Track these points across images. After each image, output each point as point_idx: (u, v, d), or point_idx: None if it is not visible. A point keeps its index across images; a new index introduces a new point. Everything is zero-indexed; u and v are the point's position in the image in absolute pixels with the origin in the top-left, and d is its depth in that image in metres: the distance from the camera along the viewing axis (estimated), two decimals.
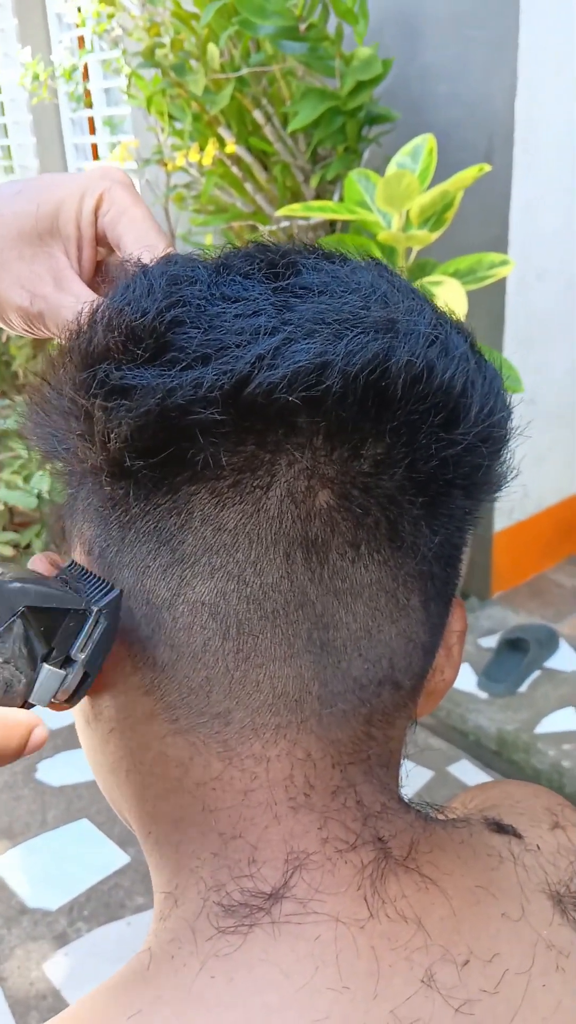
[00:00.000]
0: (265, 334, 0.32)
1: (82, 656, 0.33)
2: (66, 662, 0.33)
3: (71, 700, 0.34)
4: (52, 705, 0.34)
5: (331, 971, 0.32)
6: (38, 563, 0.39)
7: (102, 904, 1.87)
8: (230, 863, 0.35)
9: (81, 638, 0.33)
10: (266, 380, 0.31)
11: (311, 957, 0.32)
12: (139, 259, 0.38)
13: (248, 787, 0.35)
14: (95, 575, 0.35)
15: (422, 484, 0.35)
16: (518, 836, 0.40)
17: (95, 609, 0.33)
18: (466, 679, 2.37)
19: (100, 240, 0.42)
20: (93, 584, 0.35)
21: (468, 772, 2.18)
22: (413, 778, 2.15)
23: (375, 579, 0.34)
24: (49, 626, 0.33)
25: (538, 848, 0.39)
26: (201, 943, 0.33)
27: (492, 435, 0.36)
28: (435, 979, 0.32)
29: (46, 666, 0.33)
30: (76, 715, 0.40)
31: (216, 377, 0.31)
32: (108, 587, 0.34)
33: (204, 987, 0.31)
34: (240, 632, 0.34)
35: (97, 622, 0.33)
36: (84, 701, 0.39)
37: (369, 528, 0.34)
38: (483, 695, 2.31)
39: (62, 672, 0.33)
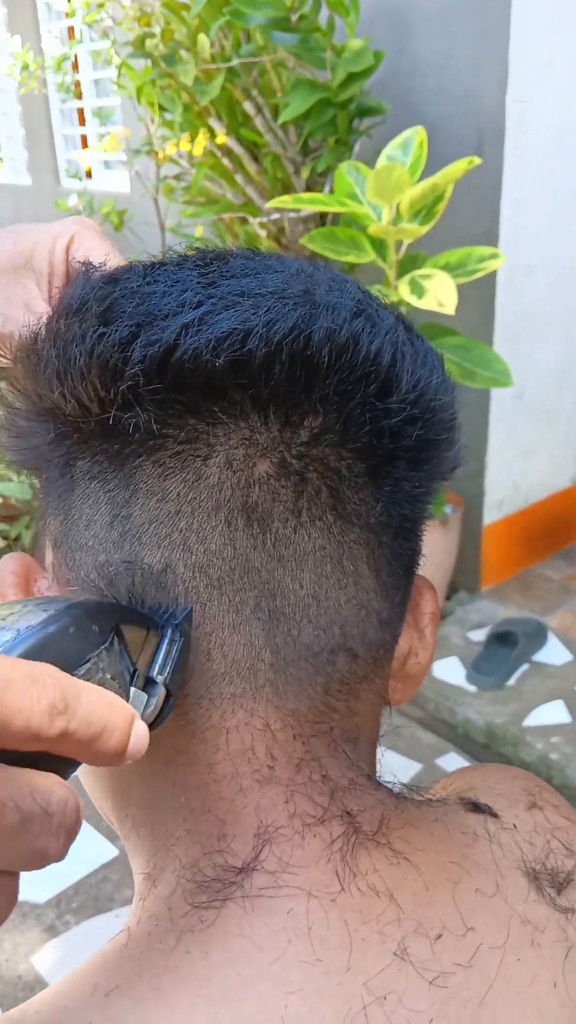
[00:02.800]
0: (191, 307, 0.34)
1: (163, 676, 0.32)
2: (147, 683, 0.32)
3: (155, 724, 0.32)
4: None
5: (304, 944, 0.32)
6: (8, 563, 0.39)
7: (90, 897, 1.87)
8: (202, 839, 0.35)
9: (160, 657, 0.32)
10: (191, 346, 0.33)
11: (284, 930, 0.32)
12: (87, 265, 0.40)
13: (212, 760, 0.35)
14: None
15: (361, 453, 0.36)
16: (494, 815, 0.40)
17: (173, 625, 0.33)
18: (455, 672, 2.38)
19: (70, 277, 0.45)
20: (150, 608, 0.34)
21: (457, 764, 2.19)
22: (402, 771, 2.16)
23: (319, 545, 0.35)
24: (134, 645, 0.32)
25: (514, 827, 0.40)
26: (176, 919, 0.33)
27: (430, 407, 0.37)
28: (408, 952, 0.33)
29: (133, 688, 0.31)
30: None
31: (144, 346, 0.33)
32: (170, 607, 0.34)
33: (180, 962, 0.32)
34: (188, 600, 0.34)
35: (174, 640, 0.33)
36: None
37: (310, 496, 0.35)
38: (472, 688, 2.32)
39: (144, 694, 0.32)
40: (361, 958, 0.32)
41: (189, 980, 0.31)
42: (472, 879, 0.36)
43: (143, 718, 0.31)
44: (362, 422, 0.35)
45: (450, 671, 2.39)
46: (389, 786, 0.39)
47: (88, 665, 0.29)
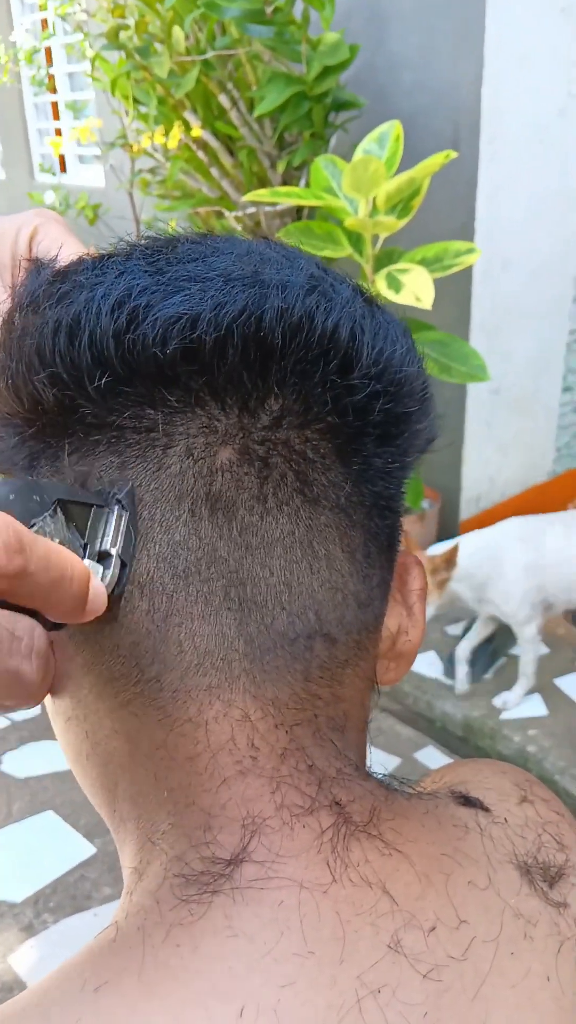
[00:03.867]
0: (136, 295, 0.33)
1: (115, 548, 0.33)
2: (100, 558, 0.34)
3: (112, 593, 0.34)
4: None
5: (296, 936, 0.32)
6: None
7: (68, 895, 1.86)
8: (187, 831, 0.34)
9: (110, 531, 0.33)
10: (140, 335, 0.32)
11: (275, 922, 0.32)
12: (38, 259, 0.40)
13: (192, 752, 0.35)
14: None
15: (326, 433, 0.35)
16: (485, 809, 0.40)
17: (116, 501, 0.34)
18: (433, 666, 2.39)
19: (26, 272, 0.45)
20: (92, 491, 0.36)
21: (435, 758, 2.19)
22: (380, 765, 2.15)
23: (287, 531, 0.34)
24: (80, 521, 0.33)
25: (505, 821, 0.39)
26: (165, 913, 0.32)
27: (395, 380, 0.36)
28: (402, 944, 0.32)
29: (88, 560, 0.33)
30: (48, 712, 0.41)
31: (92, 338, 0.33)
32: (112, 488, 0.35)
33: (169, 955, 0.31)
34: (153, 591, 0.34)
35: (120, 515, 0.33)
36: (48, 698, 0.39)
37: (275, 481, 0.34)
38: (449, 682, 2.33)
39: (100, 566, 0.33)
40: (354, 950, 0.32)
41: (179, 974, 0.31)
42: (464, 872, 0.36)
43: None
44: (324, 401, 0.34)
45: (428, 665, 2.40)
46: (378, 777, 0.39)
47: (33, 530, 0.30)
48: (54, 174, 4.25)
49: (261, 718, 0.35)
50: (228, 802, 0.34)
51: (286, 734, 0.35)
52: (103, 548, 0.33)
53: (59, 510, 0.32)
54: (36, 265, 0.37)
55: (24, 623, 0.27)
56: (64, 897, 1.86)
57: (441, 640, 2.49)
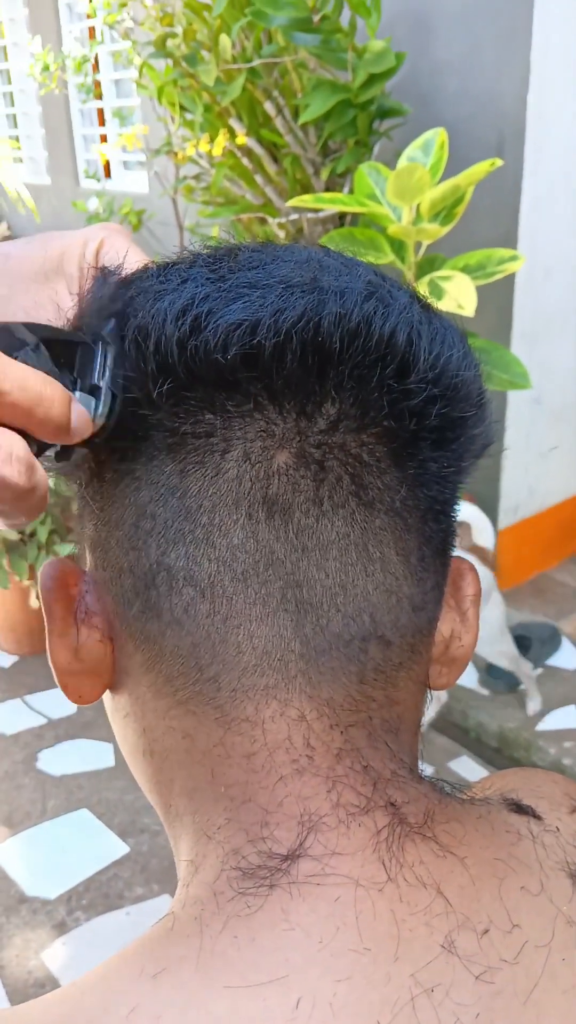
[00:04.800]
0: (199, 302, 0.34)
1: (104, 380, 0.34)
2: (91, 392, 0.35)
3: (108, 424, 0.35)
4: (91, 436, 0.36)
5: (352, 932, 0.32)
6: (47, 570, 0.41)
7: (101, 894, 1.87)
8: (245, 827, 0.35)
9: (97, 366, 0.34)
10: (200, 341, 0.33)
11: (332, 918, 0.32)
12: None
13: (249, 751, 0.35)
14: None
15: (382, 437, 0.35)
16: (537, 817, 0.40)
17: (102, 338, 0.35)
18: (468, 675, 2.37)
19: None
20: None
21: (469, 768, 2.18)
22: None
23: (342, 533, 0.35)
24: (67, 358, 0.34)
25: (557, 829, 0.39)
26: (223, 904, 0.33)
27: (452, 384, 0.36)
28: (456, 945, 0.32)
29: (79, 392, 0.34)
30: (107, 709, 0.42)
31: (156, 345, 0.34)
32: (98, 329, 0.36)
33: (227, 946, 0.32)
34: (214, 594, 0.35)
35: (106, 351, 0.35)
36: (107, 694, 0.40)
37: (331, 484, 0.35)
38: (485, 692, 2.31)
39: (91, 398, 0.35)
40: (408, 949, 0.32)
41: (236, 964, 0.31)
42: (517, 877, 0.36)
43: (95, 419, 0.35)
44: (380, 406, 0.35)
45: (463, 675, 2.38)
46: (431, 780, 0.39)
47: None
48: (99, 180, 4.30)
49: (317, 718, 0.35)
50: (285, 799, 0.35)
51: (341, 734, 0.36)
52: (93, 382, 0.34)
53: (42, 346, 0.33)
54: (103, 273, 0.38)
55: (3, 434, 0.30)
56: (97, 895, 1.87)
57: (477, 649, 2.47)
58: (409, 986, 0.31)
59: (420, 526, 0.37)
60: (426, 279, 1.72)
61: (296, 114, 2.18)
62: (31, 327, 0.33)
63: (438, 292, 1.68)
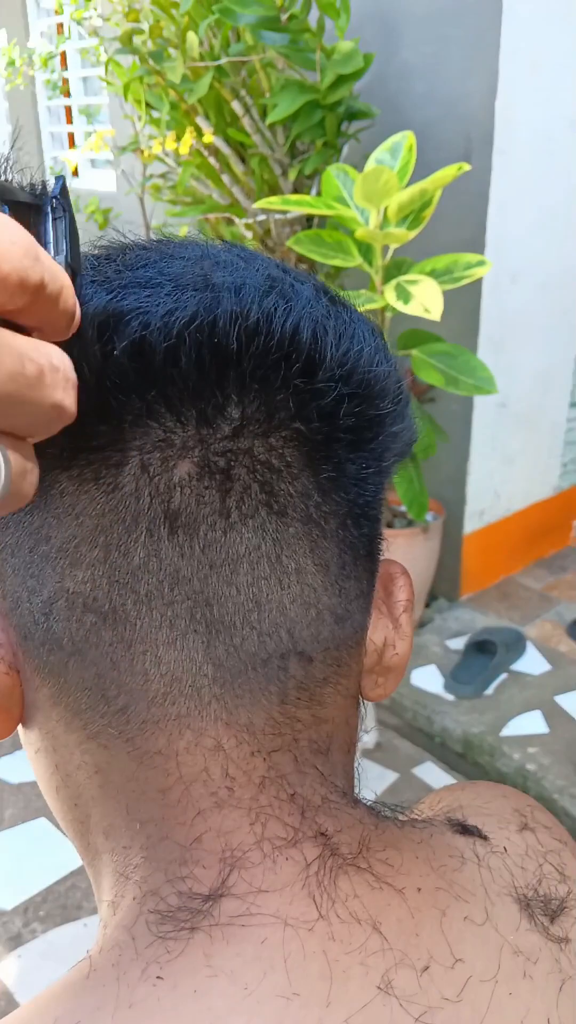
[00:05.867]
0: (82, 304, 0.31)
1: (61, 256, 0.29)
2: None
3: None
4: None
5: (280, 976, 0.30)
6: None
7: (59, 905, 1.84)
8: (163, 866, 0.33)
9: (50, 236, 0.29)
10: (86, 348, 0.30)
11: (258, 961, 0.30)
12: None
13: (164, 785, 0.33)
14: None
15: (291, 441, 0.33)
16: (483, 837, 0.38)
17: (51, 200, 0.29)
18: (433, 681, 2.37)
19: None
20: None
21: (433, 774, 2.17)
22: (378, 780, 2.14)
23: (253, 546, 0.32)
24: (23, 223, 0.28)
25: (505, 850, 0.38)
26: (141, 950, 0.31)
27: (364, 380, 0.34)
28: (393, 985, 0.30)
29: None
30: (22, 742, 0.39)
31: None
32: (45, 189, 0.30)
33: (146, 994, 0.29)
34: (117, 620, 0.32)
35: (57, 217, 0.29)
36: (20, 728, 0.38)
37: (238, 494, 0.32)
38: (450, 697, 2.30)
39: None
40: (342, 992, 0.30)
41: (156, 1014, 0.29)
42: (460, 906, 0.34)
43: None
44: (287, 408, 0.32)
45: (428, 679, 2.38)
46: (368, 804, 0.37)
47: None
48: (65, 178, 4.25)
49: (236, 746, 0.33)
50: (204, 834, 0.33)
51: (263, 761, 0.33)
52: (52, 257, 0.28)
53: (7, 209, 0.27)
54: None
55: (56, 351, 0.25)
56: (54, 906, 1.84)
57: (442, 654, 2.47)
58: None
59: (339, 532, 0.35)
60: (393, 283, 1.71)
61: (264, 114, 2.16)
62: None
63: (405, 296, 1.67)
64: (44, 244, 0.28)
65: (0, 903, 1.85)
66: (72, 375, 0.26)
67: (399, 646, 0.39)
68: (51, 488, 0.32)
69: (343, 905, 0.32)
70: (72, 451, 0.32)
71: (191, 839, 0.33)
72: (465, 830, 0.38)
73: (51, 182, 0.30)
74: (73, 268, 0.29)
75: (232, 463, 0.32)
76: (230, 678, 0.33)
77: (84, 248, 0.35)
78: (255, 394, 0.32)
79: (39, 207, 0.29)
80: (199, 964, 0.30)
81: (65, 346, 0.29)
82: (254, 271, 0.34)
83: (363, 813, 0.36)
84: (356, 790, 0.38)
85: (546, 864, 0.38)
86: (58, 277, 0.24)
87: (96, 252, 0.36)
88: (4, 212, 0.26)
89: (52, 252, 0.28)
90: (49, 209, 0.29)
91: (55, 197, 0.29)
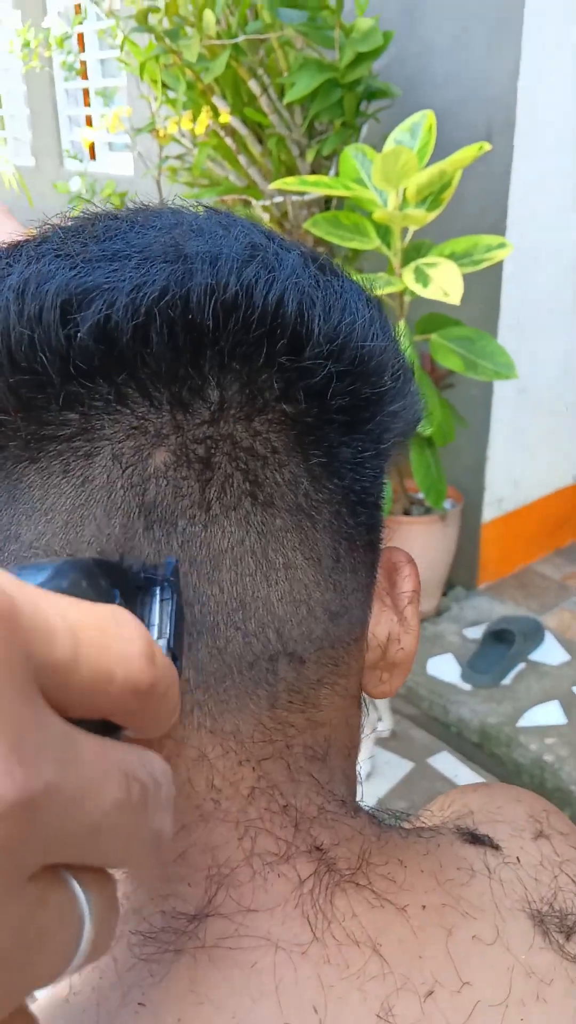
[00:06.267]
0: (44, 281, 0.29)
1: (164, 640, 0.27)
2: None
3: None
4: None
5: (270, 1004, 0.28)
6: None
7: None
8: (145, 883, 0.31)
9: (155, 618, 0.27)
10: (46, 329, 0.28)
11: (247, 988, 0.28)
12: None
13: None
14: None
15: (277, 424, 0.30)
16: (495, 847, 0.36)
17: (161, 582, 0.28)
18: (450, 670, 2.34)
19: None
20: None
21: (449, 764, 2.15)
22: (393, 770, 2.12)
23: (236, 540, 0.30)
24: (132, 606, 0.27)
25: (518, 860, 0.35)
26: (123, 973, 0.29)
27: (357, 356, 0.31)
28: (393, 1013, 0.29)
29: None
30: None
31: None
32: (148, 567, 0.29)
33: (127, 1022, 0.28)
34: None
35: (165, 598, 0.28)
36: None
37: (219, 484, 0.30)
38: (466, 687, 2.28)
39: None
40: (338, 1020, 0.28)
41: None
42: (468, 924, 0.31)
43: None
44: (272, 388, 0.30)
45: (445, 669, 2.36)
46: (370, 811, 0.35)
47: None
48: (82, 161, 4.23)
49: (221, 755, 0.31)
50: (189, 850, 0.30)
51: (252, 771, 0.31)
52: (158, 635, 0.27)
53: (119, 599, 0.25)
54: None
55: (158, 762, 0.21)
56: None
57: (460, 644, 2.44)
58: None
59: (333, 522, 0.32)
60: (412, 266, 1.68)
61: (281, 93, 2.13)
62: (103, 565, 0.25)
63: (424, 279, 1.64)
64: (148, 625, 0.27)
65: None
66: (172, 789, 0.22)
67: (404, 640, 0.37)
68: (19, 482, 0.30)
69: (340, 925, 0.30)
70: (39, 442, 0.29)
71: (174, 854, 0.31)
72: (475, 839, 0.36)
73: (171, 560, 0.28)
74: (174, 653, 0.27)
75: (212, 450, 0.29)
76: (213, 683, 0.30)
77: (56, 220, 0.33)
78: (235, 374, 0.29)
79: (148, 588, 0.27)
80: (184, 990, 0.28)
81: (26, 329, 0.27)
82: (233, 239, 0.31)
83: (364, 823, 0.34)
84: (358, 795, 0.36)
85: (562, 875, 0.36)
86: (168, 676, 0.22)
87: (64, 224, 0.34)
88: (116, 599, 0.25)
89: (155, 635, 0.27)
90: (158, 590, 0.27)
91: (167, 579, 0.27)
